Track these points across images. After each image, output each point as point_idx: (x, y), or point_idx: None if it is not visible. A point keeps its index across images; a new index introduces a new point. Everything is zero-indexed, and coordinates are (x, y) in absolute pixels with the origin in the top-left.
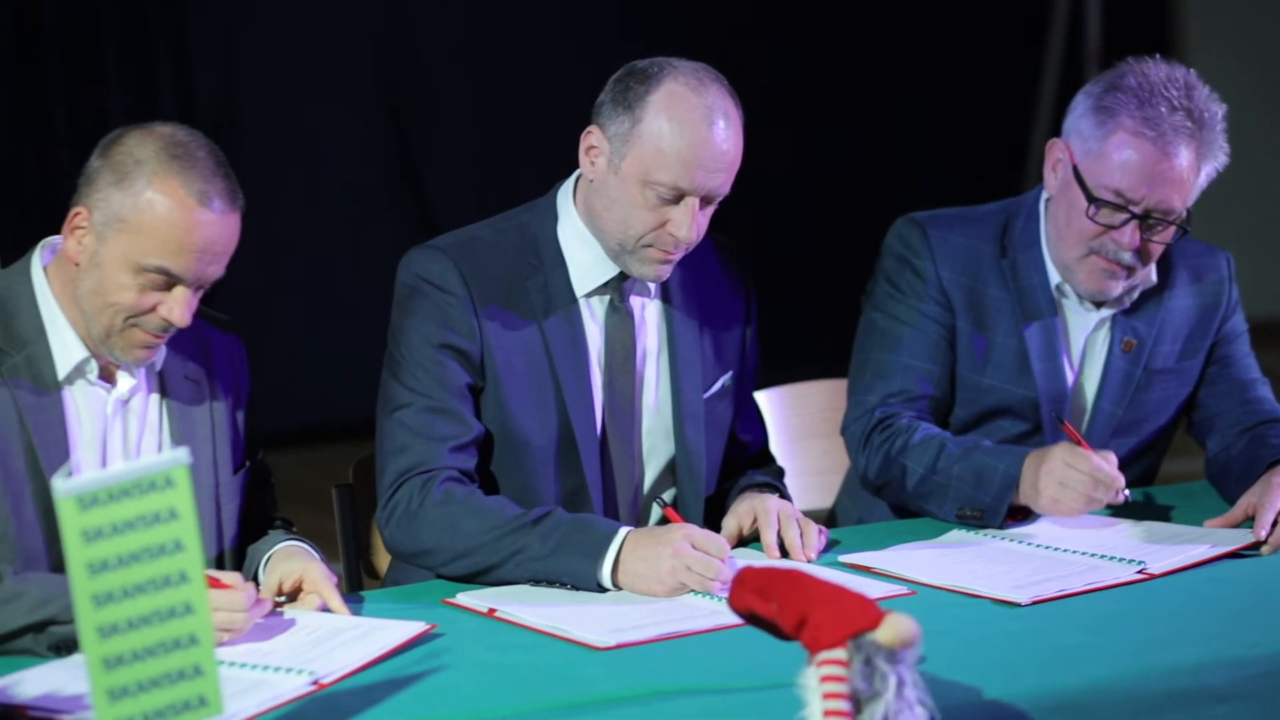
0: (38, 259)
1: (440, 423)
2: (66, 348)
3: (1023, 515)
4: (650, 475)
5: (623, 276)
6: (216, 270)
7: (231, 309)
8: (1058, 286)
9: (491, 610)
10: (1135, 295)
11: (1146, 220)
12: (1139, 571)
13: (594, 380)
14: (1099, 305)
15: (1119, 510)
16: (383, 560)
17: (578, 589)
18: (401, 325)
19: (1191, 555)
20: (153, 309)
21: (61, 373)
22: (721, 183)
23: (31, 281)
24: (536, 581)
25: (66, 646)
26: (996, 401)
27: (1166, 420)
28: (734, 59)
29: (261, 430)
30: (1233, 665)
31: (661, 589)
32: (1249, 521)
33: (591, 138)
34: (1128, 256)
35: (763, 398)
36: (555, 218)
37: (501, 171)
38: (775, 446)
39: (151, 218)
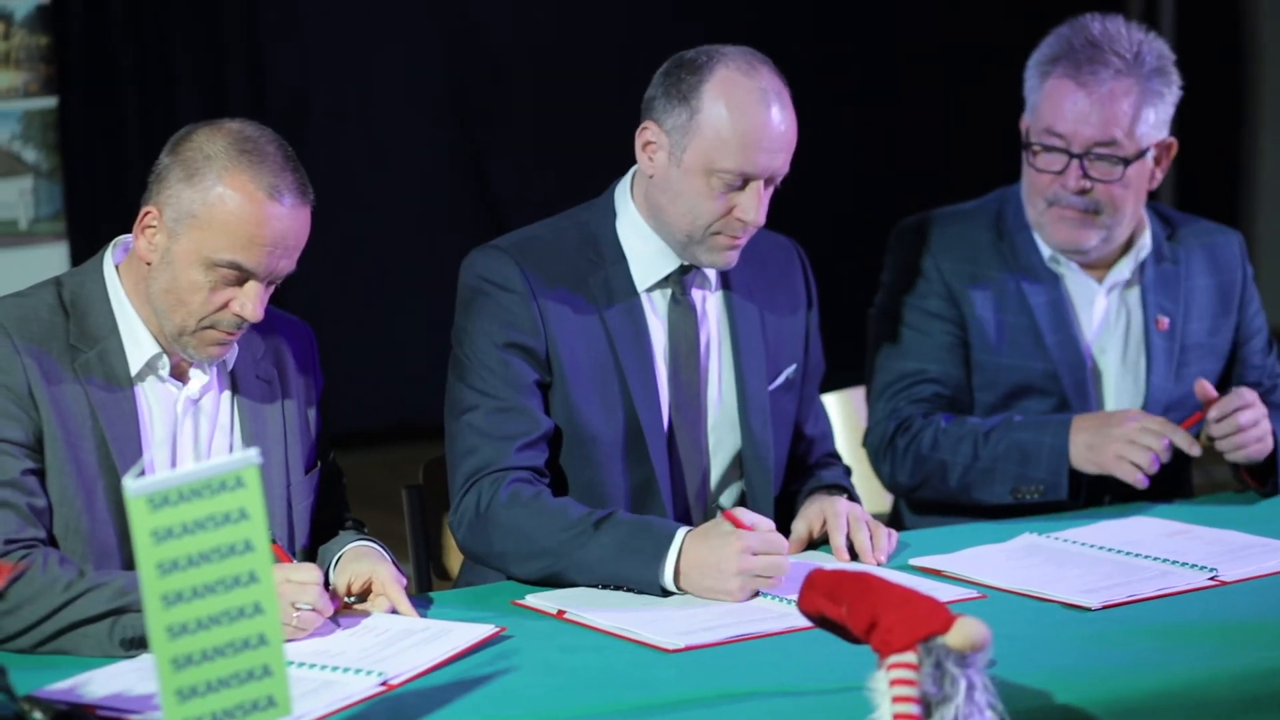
0: (109, 257)
1: (508, 422)
2: (139, 344)
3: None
4: (717, 469)
5: (683, 270)
6: (288, 265)
7: (301, 309)
8: (1051, 258)
9: (561, 612)
10: (1127, 262)
11: (1087, 157)
12: (1211, 578)
13: (659, 374)
14: (1100, 276)
15: (1191, 517)
16: (454, 561)
17: (644, 594)
18: (466, 327)
19: (1264, 566)
20: (225, 306)
21: (134, 369)
22: (782, 163)
23: (104, 279)
24: (604, 586)
25: (138, 643)
26: (1017, 380)
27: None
28: (806, 60)
29: (332, 431)
30: None
31: (731, 599)
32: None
33: (648, 133)
34: (1078, 200)
35: (830, 400)
36: (614, 214)
37: (572, 172)
38: (842, 449)
39: (222, 213)
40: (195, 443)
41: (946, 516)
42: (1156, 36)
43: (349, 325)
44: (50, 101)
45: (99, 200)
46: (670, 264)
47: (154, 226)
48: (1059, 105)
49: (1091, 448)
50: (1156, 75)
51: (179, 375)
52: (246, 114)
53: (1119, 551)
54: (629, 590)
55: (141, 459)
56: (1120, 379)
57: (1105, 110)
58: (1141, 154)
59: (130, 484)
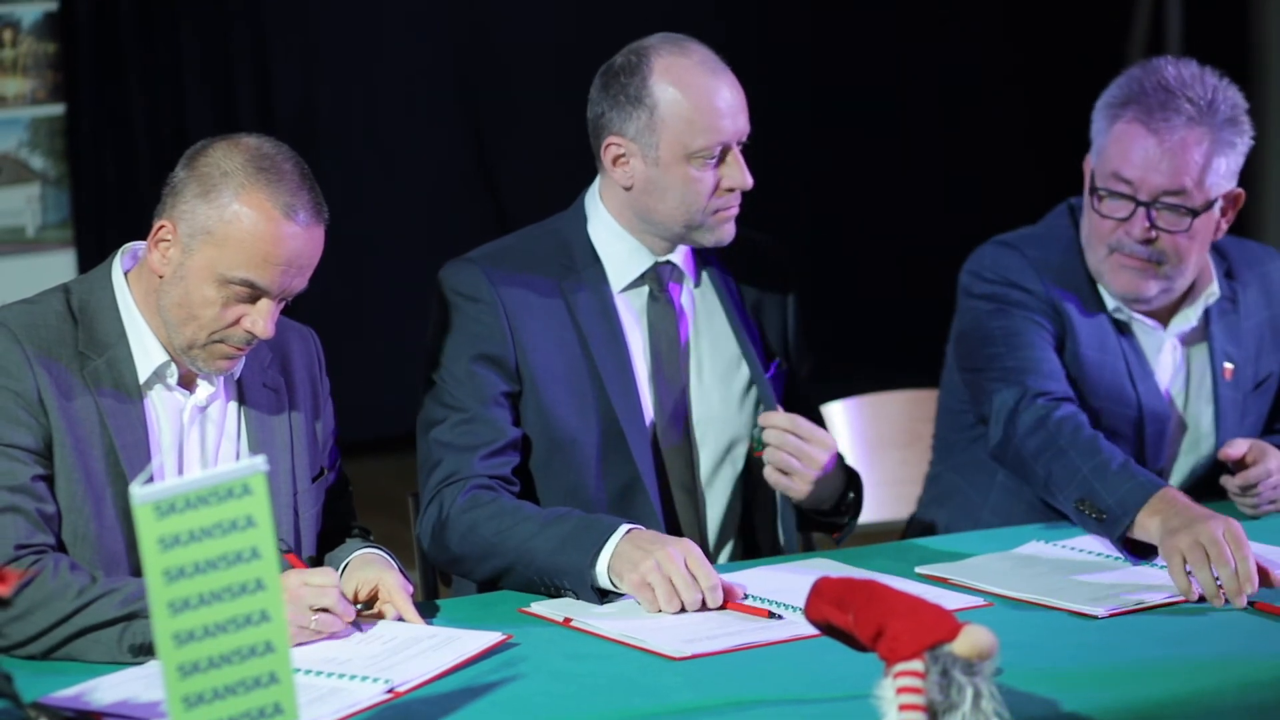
0: (118, 264)
1: (472, 433)
2: (147, 352)
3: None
4: (706, 462)
5: (657, 266)
6: (300, 283)
7: (311, 315)
8: (1116, 309)
9: (567, 620)
10: (1197, 310)
11: (1154, 207)
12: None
13: (638, 373)
14: (1166, 324)
15: None
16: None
17: (574, 591)
18: (435, 341)
19: (1273, 575)
20: (236, 322)
21: (142, 377)
22: (744, 122)
23: (112, 286)
24: (542, 584)
25: (146, 649)
26: (1107, 424)
27: (1258, 435)
28: (817, 74)
29: (342, 438)
30: None
31: (634, 576)
32: None
33: (614, 148)
34: (1142, 250)
35: (840, 408)
36: (584, 219)
37: (580, 179)
38: (852, 457)
39: (238, 230)
40: (202, 451)
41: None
42: (1230, 84)
43: (358, 332)
44: (58, 109)
45: (106, 207)
46: (644, 262)
47: (168, 240)
48: (1128, 150)
49: (1170, 531)
50: (1229, 125)
51: (186, 384)
52: (255, 120)
53: (1126, 560)
54: (561, 591)
55: (149, 466)
56: (1183, 430)
57: (1176, 159)
58: (1210, 204)
59: (137, 491)
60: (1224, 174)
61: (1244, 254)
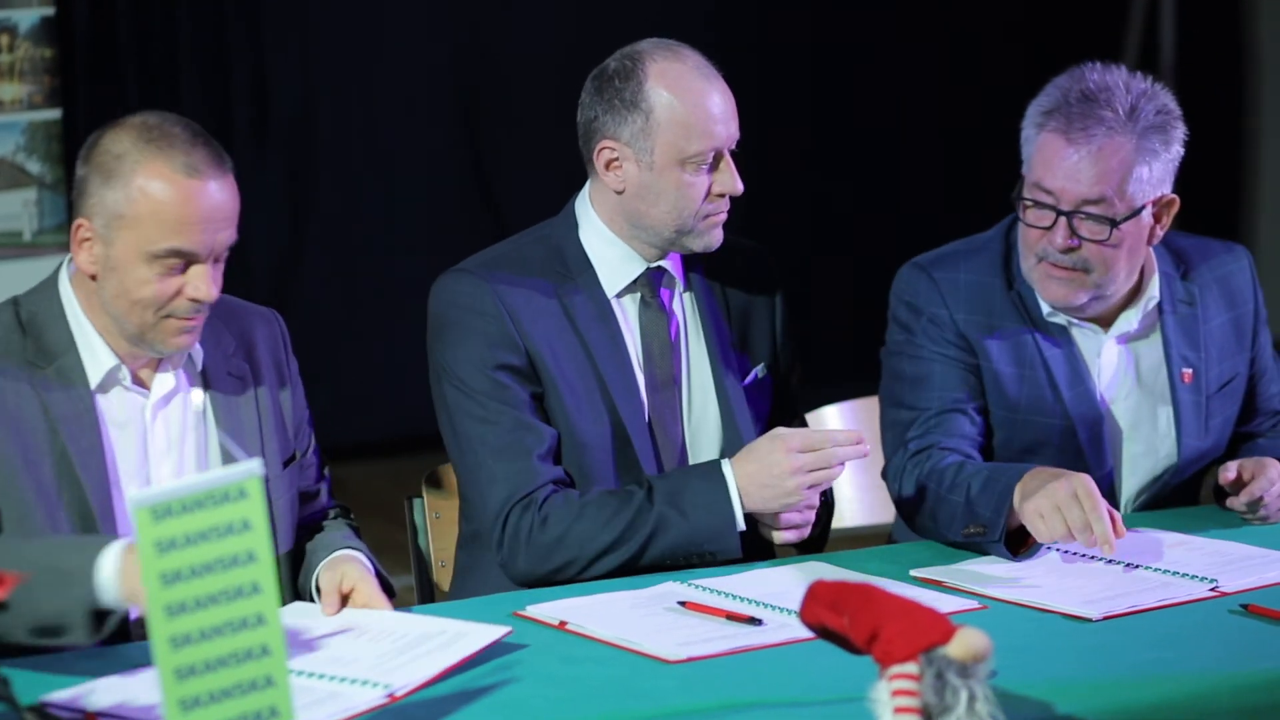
0: (64, 273)
1: (519, 441)
2: (96, 358)
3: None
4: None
5: (649, 271)
6: (227, 237)
7: (305, 318)
8: (1050, 313)
9: (562, 623)
10: (1136, 314)
11: (1075, 215)
12: (1211, 589)
13: (637, 377)
14: (1105, 328)
15: (1192, 528)
16: (443, 578)
17: (717, 555)
18: (449, 357)
19: (1264, 577)
20: (178, 293)
21: (94, 382)
22: (736, 128)
23: (59, 295)
24: (681, 557)
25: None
26: (1035, 436)
27: (1226, 440)
28: (816, 78)
29: (336, 441)
30: None
31: (794, 501)
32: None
33: (607, 151)
34: (1065, 259)
35: (833, 411)
36: (575, 225)
37: (576, 183)
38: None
39: (148, 204)
40: (168, 445)
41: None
42: (1162, 89)
43: (353, 335)
44: (54, 113)
45: None
46: (637, 268)
47: (89, 238)
48: (1049, 161)
49: (1026, 496)
50: (1154, 131)
51: (143, 383)
52: (251, 125)
53: (1120, 563)
54: (704, 558)
55: (106, 466)
56: (1135, 433)
57: (1095, 168)
58: (1135, 212)
59: (134, 495)
60: (1149, 181)
61: (1204, 254)
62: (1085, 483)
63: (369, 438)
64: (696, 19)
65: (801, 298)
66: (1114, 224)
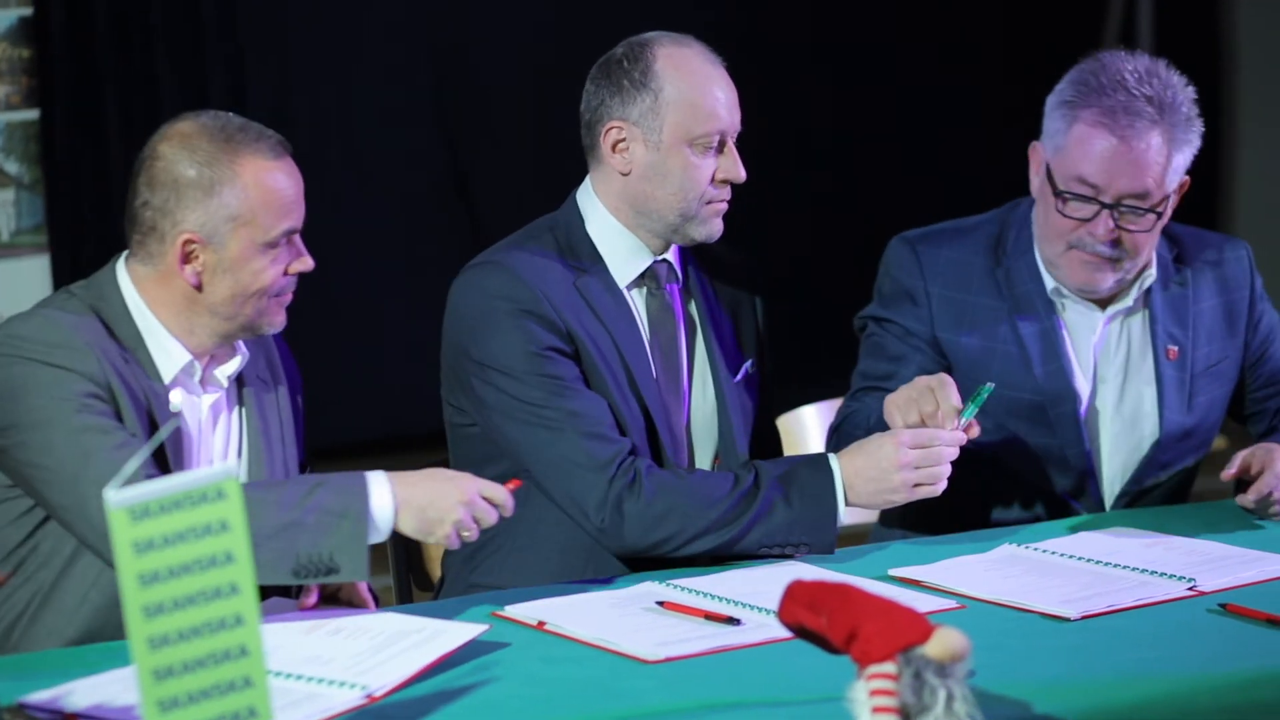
0: (123, 274)
1: (591, 413)
2: (168, 353)
3: None
4: (701, 461)
5: (655, 264)
6: (303, 209)
7: (288, 323)
8: (1055, 290)
9: (541, 623)
10: (1134, 292)
11: (1118, 209)
12: (1189, 588)
13: (652, 368)
14: (1104, 306)
15: (1170, 527)
16: (434, 570)
17: (812, 547)
18: (489, 352)
19: (1242, 576)
20: (285, 273)
21: (167, 377)
22: (739, 117)
23: (121, 292)
24: (770, 547)
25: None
26: (1005, 408)
27: (1214, 421)
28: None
29: (317, 443)
30: None
31: (900, 498)
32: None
33: (614, 132)
34: (1105, 249)
35: (812, 411)
36: (581, 218)
37: (554, 185)
38: None
39: (258, 196)
40: (218, 445)
41: (908, 531)
42: (1181, 77)
43: (334, 337)
44: (32, 114)
45: (81, 213)
46: (645, 259)
47: (196, 251)
48: (1091, 154)
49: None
50: (1187, 123)
51: (203, 382)
52: None
53: (1098, 562)
54: (802, 545)
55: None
56: (1119, 408)
57: (1142, 163)
58: (1167, 199)
59: (111, 496)
60: (1180, 169)
61: (1199, 242)
62: (941, 377)
63: (347, 439)
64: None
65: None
66: (1158, 215)
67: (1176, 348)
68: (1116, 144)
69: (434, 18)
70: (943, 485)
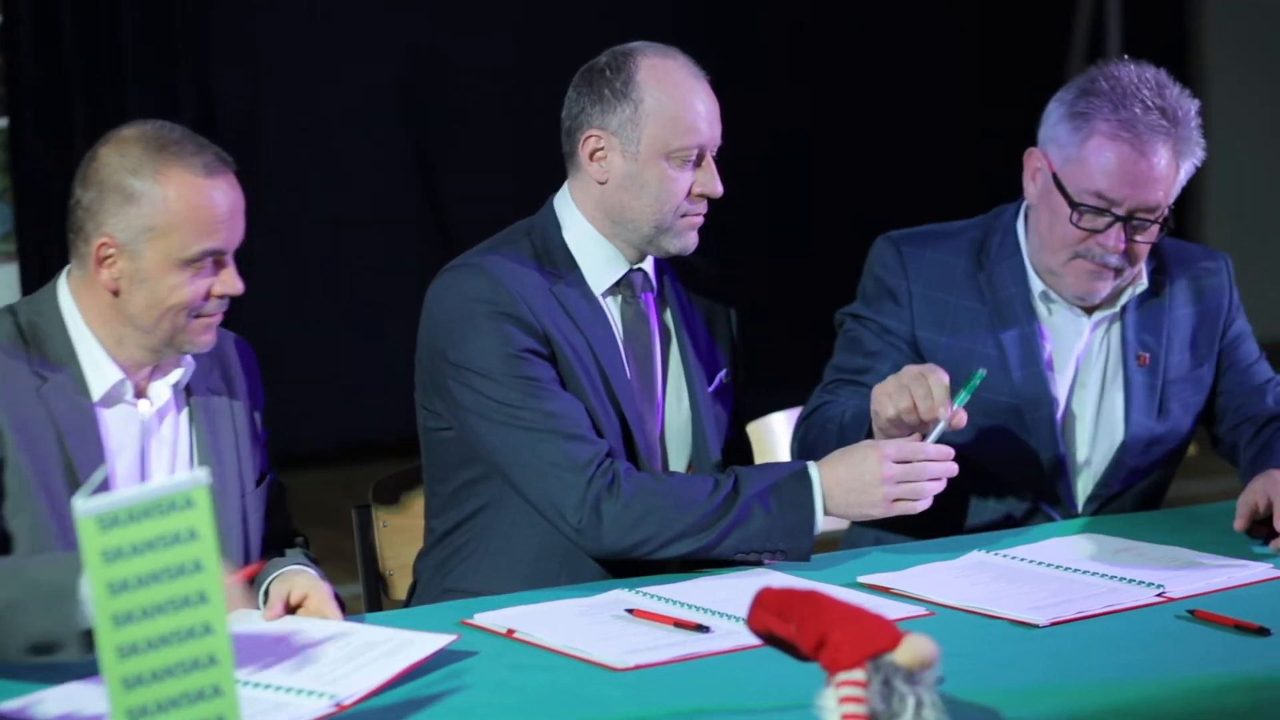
0: (64, 284)
1: (569, 415)
2: (100, 370)
3: None
4: (677, 469)
5: (631, 273)
6: (241, 231)
7: (253, 326)
8: (1042, 294)
9: (510, 631)
10: (1124, 298)
11: (1130, 221)
12: (1158, 594)
13: (628, 374)
14: (1090, 311)
15: (1138, 533)
16: (402, 581)
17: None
18: (466, 354)
19: (1211, 583)
20: (207, 293)
21: (97, 395)
22: (720, 132)
23: (59, 307)
24: (747, 553)
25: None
26: (980, 410)
27: (1187, 429)
28: (763, 80)
29: (283, 449)
30: (1252, 688)
31: (879, 512)
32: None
33: (593, 140)
34: (1114, 259)
35: (781, 419)
36: (558, 225)
37: (525, 190)
38: None
39: (177, 211)
40: (159, 461)
41: (881, 533)
42: (1184, 88)
43: (301, 344)
44: (1, 122)
45: (50, 221)
46: (621, 268)
47: (110, 256)
48: (1109, 168)
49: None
50: (1193, 135)
51: (139, 395)
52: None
53: (1067, 568)
54: (779, 552)
55: (102, 472)
56: (1095, 415)
57: (1156, 176)
58: (1170, 210)
59: (80, 504)
60: (1183, 181)
61: (1180, 253)
62: (931, 365)
63: (317, 447)
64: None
65: (760, 303)
66: (1165, 225)
67: (1147, 354)
68: (1135, 158)
69: (405, 23)
70: (924, 503)
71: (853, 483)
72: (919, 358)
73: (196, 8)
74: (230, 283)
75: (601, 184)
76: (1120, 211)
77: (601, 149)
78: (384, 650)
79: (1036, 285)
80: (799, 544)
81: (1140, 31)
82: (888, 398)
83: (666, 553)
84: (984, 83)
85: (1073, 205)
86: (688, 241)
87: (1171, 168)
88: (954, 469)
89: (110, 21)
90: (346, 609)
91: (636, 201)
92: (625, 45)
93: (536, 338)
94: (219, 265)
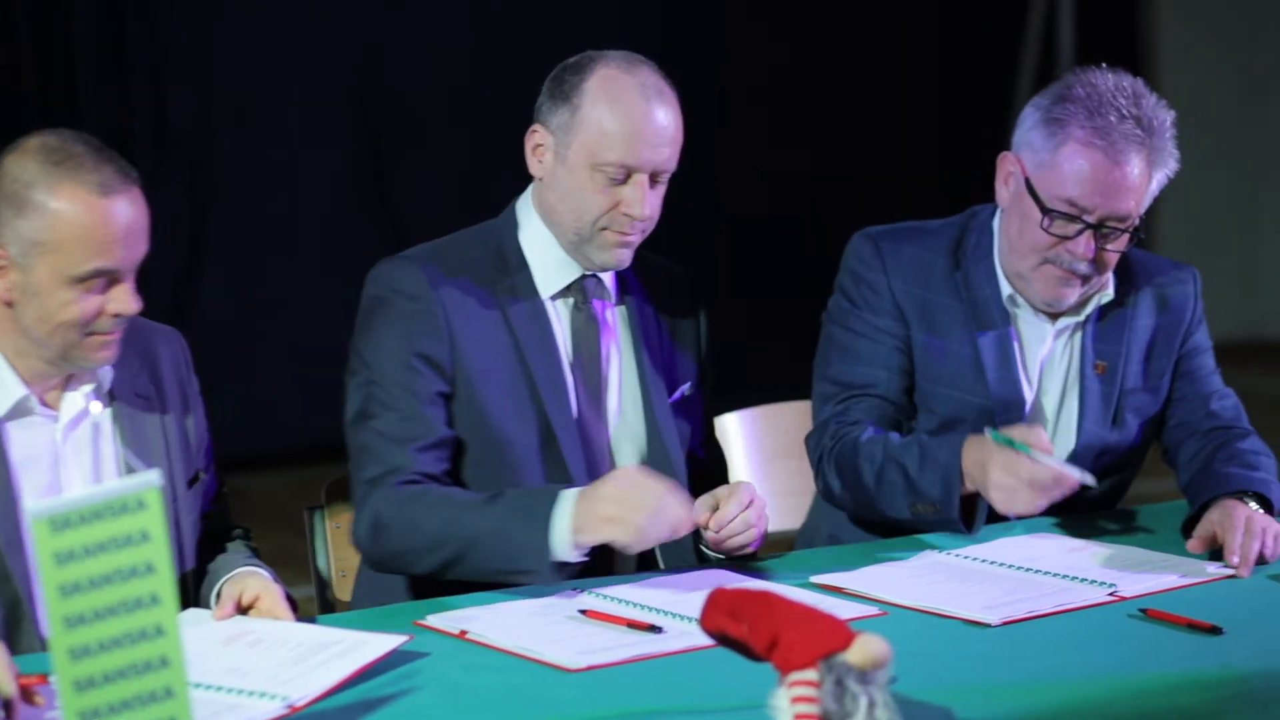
0: None
1: (407, 429)
2: (4, 386)
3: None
4: None
5: (584, 278)
6: (141, 249)
7: (207, 329)
8: (1009, 298)
9: (463, 632)
10: (1091, 306)
11: (1101, 229)
12: (1110, 594)
13: (567, 378)
14: (1055, 318)
15: (1091, 533)
16: (352, 583)
17: (531, 571)
18: (369, 337)
19: (1163, 582)
20: (100, 311)
21: (1, 409)
22: (667, 158)
23: None
24: (496, 569)
25: None
26: (954, 411)
27: (1140, 439)
28: (719, 81)
29: (236, 451)
30: (1204, 686)
31: (627, 537)
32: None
33: (536, 136)
34: (1083, 266)
35: (734, 419)
36: (516, 225)
37: (479, 195)
38: (747, 468)
39: (67, 228)
40: (77, 472)
41: (839, 529)
42: (1160, 99)
43: (253, 347)
44: None
45: None
46: (572, 273)
47: (4, 266)
48: (1083, 176)
49: (982, 482)
50: (1167, 146)
51: (50, 406)
52: (151, 138)
53: (1019, 568)
54: (520, 572)
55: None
56: (1055, 422)
57: (1129, 186)
58: (1140, 220)
59: (32, 506)
60: (1156, 192)
61: (1146, 263)
62: (1004, 460)
63: (270, 448)
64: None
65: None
66: (1137, 237)
67: (1105, 363)
68: (1109, 167)
69: (357, 27)
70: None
71: (625, 490)
72: (908, 353)
73: (149, 13)
74: (124, 302)
75: (540, 180)
76: (1091, 219)
77: (541, 145)
78: (336, 651)
79: (1005, 289)
80: (539, 565)
81: (1093, 32)
82: (1000, 493)
83: (423, 566)
84: (941, 82)
85: (1044, 211)
86: (612, 258)
87: (1144, 178)
88: (690, 528)
89: (64, 27)
90: (299, 610)
91: (560, 205)
92: (599, 52)
93: (439, 341)
94: (114, 283)
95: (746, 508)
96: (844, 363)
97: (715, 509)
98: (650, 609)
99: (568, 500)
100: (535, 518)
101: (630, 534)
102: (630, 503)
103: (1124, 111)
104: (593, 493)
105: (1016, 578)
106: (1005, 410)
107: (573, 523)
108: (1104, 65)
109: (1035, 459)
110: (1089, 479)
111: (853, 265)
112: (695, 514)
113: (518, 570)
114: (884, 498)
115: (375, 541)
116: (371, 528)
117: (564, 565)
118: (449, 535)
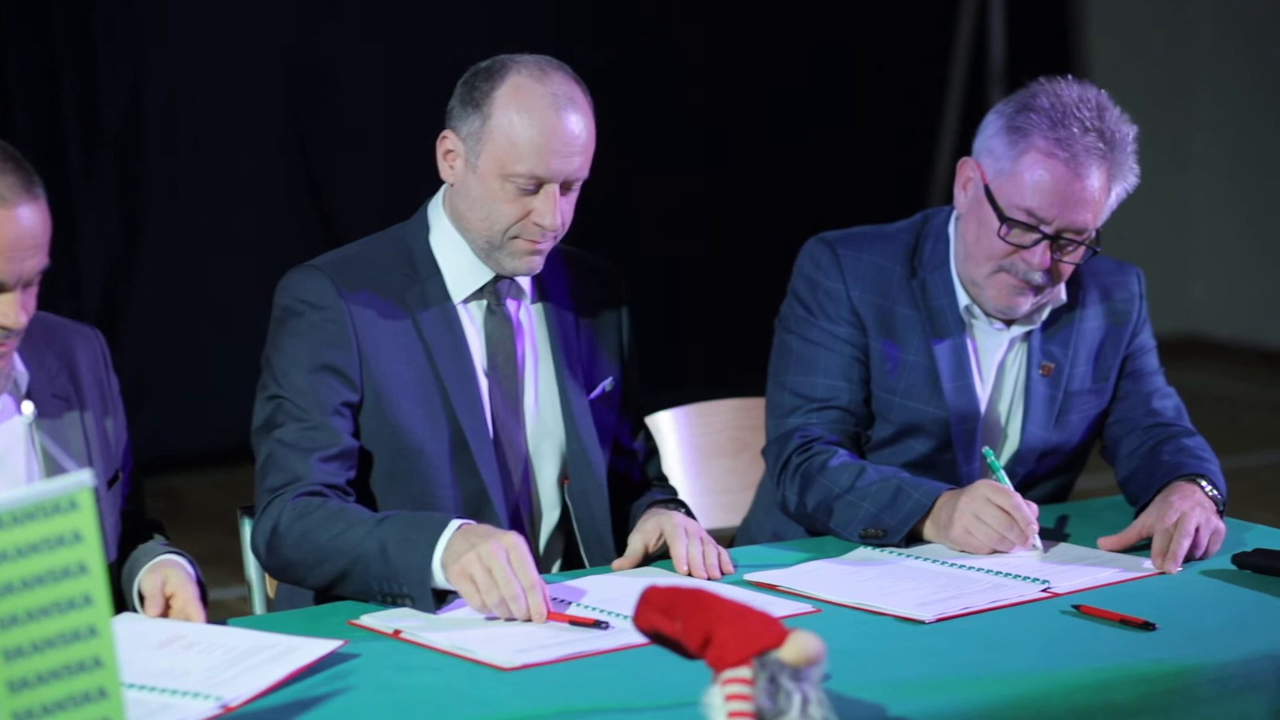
0: None
1: (310, 439)
2: None
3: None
4: (544, 478)
5: (497, 280)
6: (38, 262)
7: (140, 330)
8: (966, 308)
9: (397, 631)
10: (1045, 314)
11: (1058, 240)
12: (1043, 590)
13: (480, 384)
14: (1009, 324)
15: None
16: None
17: (410, 597)
18: (278, 347)
19: (1095, 578)
20: None
21: None
22: (578, 167)
23: None
24: (379, 590)
25: None
26: (909, 420)
27: (1084, 439)
28: (658, 83)
29: (170, 452)
30: (1137, 682)
31: (456, 567)
32: (1144, 543)
33: (447, 142)
34: (1038, 276)
35: (668, 417)
36: (427, 228)
37: (411, 196)
38: (681, 466)
39: None
40: (5, 471)
41: (781, 528)
42: (1123, 113)
43: (185, 346)
44: None
45: None
46: (484, 275)
47: None
48: (1042, 186)
49: (948, 518)
50: (1128, 160)
51: None
52: (80, 137)
53: (952, 564)
54: (400, 596)
55: None
56: (1008, 427)
57: (1088, 198)
58: (1097, 232)
59: None
60: (1114, 205)
61: (1093, 265)
62: (991, 485)
63: (202, 448)
64: (533, 36)
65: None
66: (1094, 249)
67: (1052, 364)
68: (1069, 178)
69: (285, 23)
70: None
71: (474, 539)
72: (868, 365)
73: (79, 12)
74: (10, 317)
75: (451, 185)
76: (1049, 230)
77: (452, 151)
78: (271, 655)
79: (962, 298)
80: (418, 592)
81: (1023, 37)
82: (969, 536)
83: (315, 579)
84: (878, 83)
85: (1002, 219)
86: (521, 266)
87: (1104, 191)
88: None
89: None
90: (232, 610)
91: (471, 213)
92: (511, 56)
93: (345, 352)
94: (7, 292)
95: (690, 538)
96: (803, 373)
97: (644, 551)
98: (586, 607)
99: (450, 531)
100: (418, 543)
101: (476, 604)
102: (496, 577)
103: (1087, 124)
104: (471, 539)
105: (950, 574)
106: (961, 420)
107: (443, 556)
108: (1069, 76)
109: (1016, 505)
110: (1039, 545)
111: (809, 272)
112: (618, 562)
113: (397, 594)
114: (838, 515)
115: (270, 551)
116: (268, 537)
117: (446, 593)
118: (337, 550)
